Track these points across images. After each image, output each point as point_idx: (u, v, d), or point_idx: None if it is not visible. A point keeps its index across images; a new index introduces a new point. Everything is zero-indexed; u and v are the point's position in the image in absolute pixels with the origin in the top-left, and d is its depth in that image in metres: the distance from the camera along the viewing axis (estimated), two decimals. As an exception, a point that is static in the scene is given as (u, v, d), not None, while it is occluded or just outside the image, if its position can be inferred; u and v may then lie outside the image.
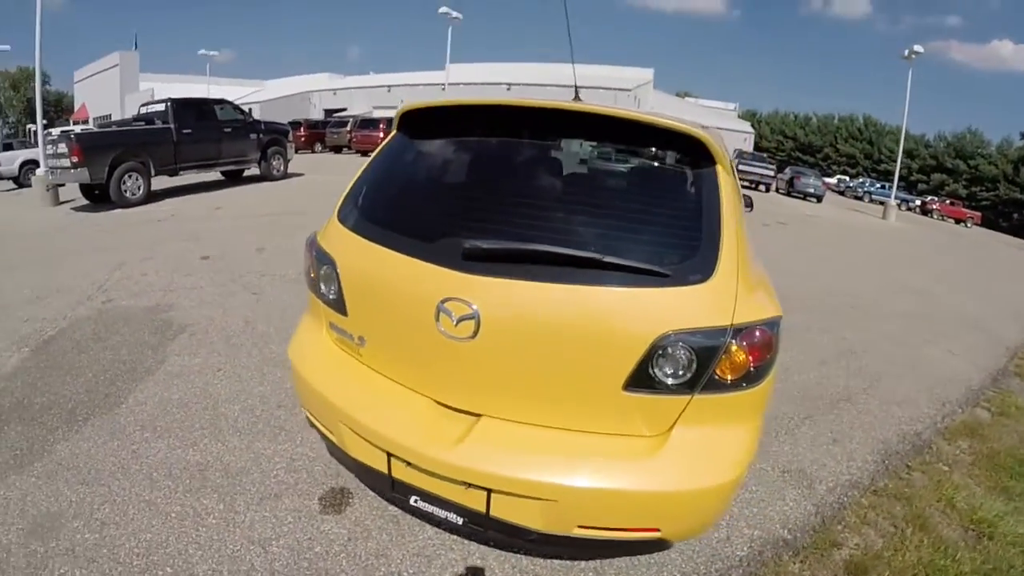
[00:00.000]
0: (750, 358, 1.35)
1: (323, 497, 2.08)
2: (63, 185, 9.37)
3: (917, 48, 18.14)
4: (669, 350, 1.32)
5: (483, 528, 1.47)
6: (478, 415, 1.48)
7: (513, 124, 1.67)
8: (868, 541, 2.11)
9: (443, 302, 1.40)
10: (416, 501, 1.50)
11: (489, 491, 1.38)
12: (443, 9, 24.69)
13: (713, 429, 1.40)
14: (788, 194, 20.83)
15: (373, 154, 1.90)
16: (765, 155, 25.27)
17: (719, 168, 1.52)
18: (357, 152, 20.93)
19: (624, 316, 1.34)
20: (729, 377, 1.36)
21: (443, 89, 30.92)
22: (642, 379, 1.34)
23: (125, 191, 8.57)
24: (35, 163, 11.16)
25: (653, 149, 1.55)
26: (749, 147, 36.19)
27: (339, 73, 48.65)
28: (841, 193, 32.39)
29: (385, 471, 1.50)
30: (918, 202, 29.98)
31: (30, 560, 1.78)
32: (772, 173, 21.19)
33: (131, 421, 2.59)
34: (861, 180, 35.65)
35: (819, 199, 20.42)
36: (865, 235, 13.22)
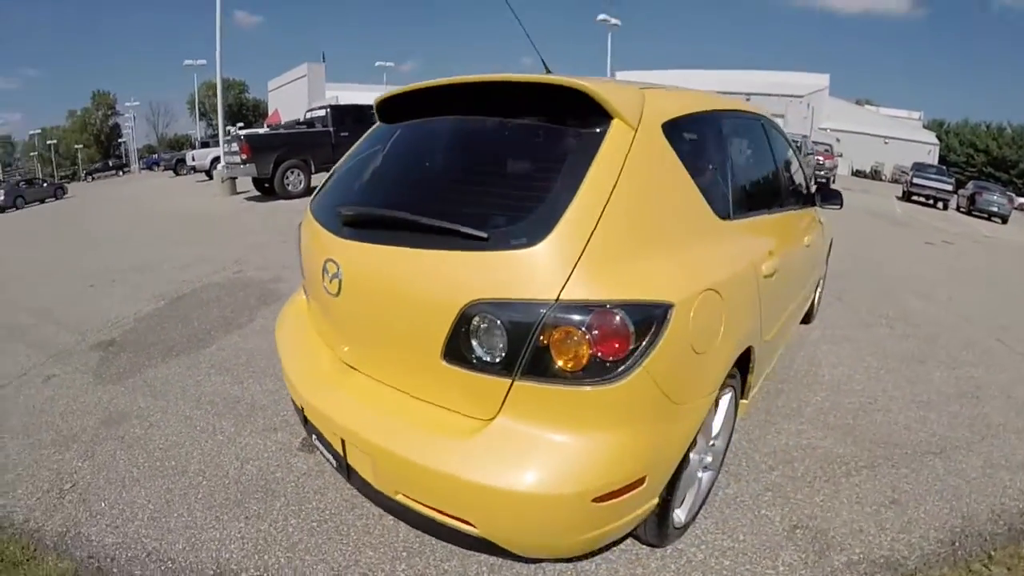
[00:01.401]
0: (595, 346, 1.14)
1: (307, 439, 2.35)
2: (236, 178, 11.50)
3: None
4: (478, 322, 1.20)
5: (346, 473, 1.51)
6: (355, 369, 1.56)
7: (436, 104, 1.68)
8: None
9: (326, 261, 1.52)
10: (315, 439, 1.65)
11: (343, 439, 1.44)
12: (601, 16, 24.36)
13: (549, 427, 1.20)
14: (969, 212, 17.01)
15: None
16: (945, 168, 21.06)
17: (615, 124, 1.31)
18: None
19: (439, 281, 1.26)
20: (560, 364, 1.15)
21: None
22: (455, 351, 1.24)
23: (288, 185, 10.25)
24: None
25: (536, 110, 1.41)
26: (933, 160, 30.48)
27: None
28: (1038, 216, 25.66)
29: (301, 409, 1.68)
30: None
31: (94, 437, 2.42)
32: (950, 188, 17.55)
33: (206, 360, 3.20)
34: (1064, 202, 27.83)
35: (1004, 219, 16.34)
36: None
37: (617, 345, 1.15)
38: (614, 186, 1.25)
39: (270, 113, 45.24)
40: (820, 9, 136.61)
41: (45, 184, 25.55)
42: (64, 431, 2.47)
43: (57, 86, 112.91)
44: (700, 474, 1.78)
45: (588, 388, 1.16)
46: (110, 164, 47.53)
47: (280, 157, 10.09)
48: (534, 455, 1.19)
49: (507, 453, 1.20)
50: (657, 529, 1.59)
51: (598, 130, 1.31)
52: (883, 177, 32.71)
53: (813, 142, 19.35)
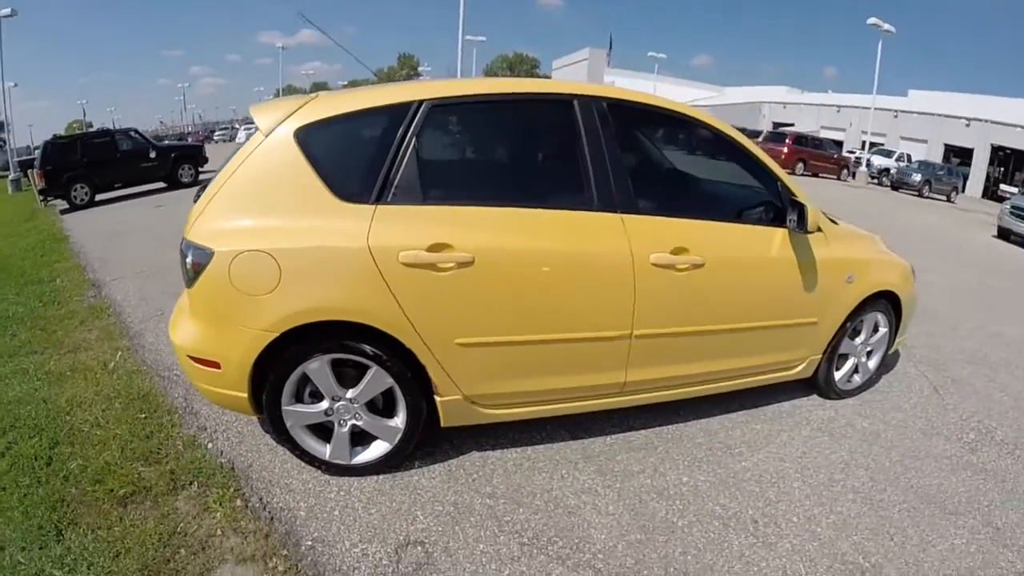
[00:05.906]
0: (188, 263, 1.84)
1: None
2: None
3: None
4: None
5: None
6: None
7: None
8: None
9: None
10: None
11: None
12: (872, 20, 20.43)
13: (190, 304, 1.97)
14: None
15: None
16: None
17: (256, 133, 1.87)
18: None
19: None
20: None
21: (896, 116, 28.90)
22: None
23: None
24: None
25: None
26: None
27: (798, 88, 44.73)
28: None
29: None
30: None
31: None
32: None
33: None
34: None
35: None
36: None
37: (189, 266, 1.84)
38: (231, 174, 1.84)
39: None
40: None
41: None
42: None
43: (369, 45, 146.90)
44: (343, 428, 2.01)
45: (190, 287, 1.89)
46: (401, 117, 55.46)
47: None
48: (182, 317, 2.01)
49: (181, 314, 2.03)
50: (269, 419, 1.98)
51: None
52: None
53: None
